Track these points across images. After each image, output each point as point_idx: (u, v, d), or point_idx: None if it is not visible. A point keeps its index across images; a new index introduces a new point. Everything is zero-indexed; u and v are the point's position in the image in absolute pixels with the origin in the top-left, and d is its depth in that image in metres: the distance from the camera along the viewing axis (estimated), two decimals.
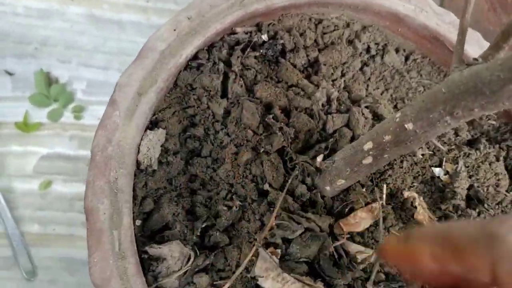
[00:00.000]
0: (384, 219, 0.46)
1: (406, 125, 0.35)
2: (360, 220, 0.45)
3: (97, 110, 0.73)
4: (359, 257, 0.44)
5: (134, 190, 0.41)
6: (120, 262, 0.37)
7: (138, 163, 0.41)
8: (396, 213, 0.47)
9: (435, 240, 0.25)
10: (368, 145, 0.39)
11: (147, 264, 0.40)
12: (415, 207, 0.46)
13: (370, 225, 0.45)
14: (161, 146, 0.43)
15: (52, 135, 0.70)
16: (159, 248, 0.39)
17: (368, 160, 0.40)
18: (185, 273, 0.39)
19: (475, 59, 0.32)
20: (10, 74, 0.72)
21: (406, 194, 0.47)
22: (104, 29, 0.77)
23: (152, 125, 0.44)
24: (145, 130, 0.42)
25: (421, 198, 0.46)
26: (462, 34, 0.33)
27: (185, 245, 0.40)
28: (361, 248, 0.44)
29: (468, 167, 0.49)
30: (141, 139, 0.41)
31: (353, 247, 0.44)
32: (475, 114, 0.31)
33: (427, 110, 0.33)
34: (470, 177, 0.49)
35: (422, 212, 0.46)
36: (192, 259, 0.40)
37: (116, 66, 0.76)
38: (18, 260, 0.63)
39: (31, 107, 0.71)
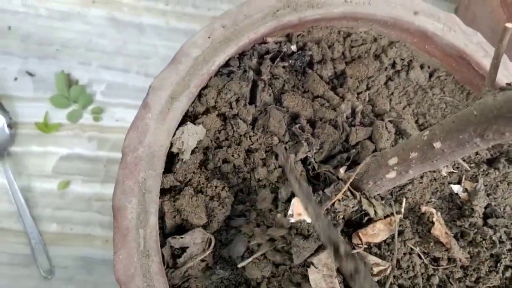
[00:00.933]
0: (402, 232, 0.46)
1: (434, 144, 0.36)
2: (379, 231, 0.45)
3: (116, 112, 0.74)
4: (375, 269, 0.44)
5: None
6: (144, 260, 0.38)
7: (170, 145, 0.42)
8: (413, 227, 0.47)
9: None
10: (393, 160, 0.40)
11: (171, 261, 0.41)
12: (433, 222, 0.46)
13: (387, 238, 0.46)
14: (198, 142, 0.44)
15: (71, 136, 0.71)
16: (181, 238, 0.40)
17: (392, 175, 0.41)
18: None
19: (508, 84, 0.33)
20: (31, 75, 0.73)
21: (423, 209, 0.47)
22: (124, 32, 0.78)
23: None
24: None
25: (439, 214, 0.47)
26: (497, 58, 0.34)
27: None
28: (378, 260, 0.44)
29: (486, 185, 0.50)
30: (177, 128, 0.42)
31: (370, 258, 0.44)
32: (506, 138, 0.31)
33: (457, 131, 0.34)
34: (488, 195, 0.49)
35: (439, 228, 0.46)
36: (213, 243, 0.41)
37: (135, 69, 0.77)
38: (36, 258, 0.64)
39: (51, 108, 0.72)
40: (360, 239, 0.45)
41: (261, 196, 0.43)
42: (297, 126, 0.45)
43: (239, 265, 0.41)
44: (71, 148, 0.71)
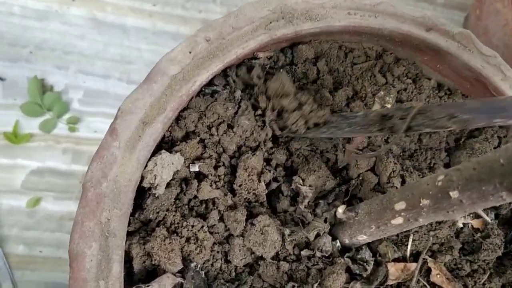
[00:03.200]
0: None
1: (450, 193, 0.30)
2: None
3: (94, 122, 0.68)
4: None
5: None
6: None
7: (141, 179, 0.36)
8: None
9: None
10: (400, 205, 0.34)
11: None
12: (429, 269, 0.41)
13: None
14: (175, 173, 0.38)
15: (43, 147, 0.65)
16: (148, 287, 0.34)
17: (398, 221, 0.35)
18: None
19: None
20: (1, 79, 0.66)
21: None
22: (106, 33, 0.72)
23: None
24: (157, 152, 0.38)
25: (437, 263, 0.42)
26: None
27: None
28: None
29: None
30: (149, 159, 0.36)
31: None
32: None
33: (479, 181, 0.28)
34: None
35: (437, 274, 0.41)
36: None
37: (117, 75, 0.70)
38: (0, 284, 0.58)
39: (22, 116, 0.65)
40: None
41: None
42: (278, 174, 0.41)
43: None
44: (43, 161, 0.65)
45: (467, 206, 0.30)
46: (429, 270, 0.42)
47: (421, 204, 0.32)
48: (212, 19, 0.70)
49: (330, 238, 0.40)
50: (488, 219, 0.33)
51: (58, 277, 0.61)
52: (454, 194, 0.30)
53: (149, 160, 0.37)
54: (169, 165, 0.37)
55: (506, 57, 0.50)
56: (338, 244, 0.41)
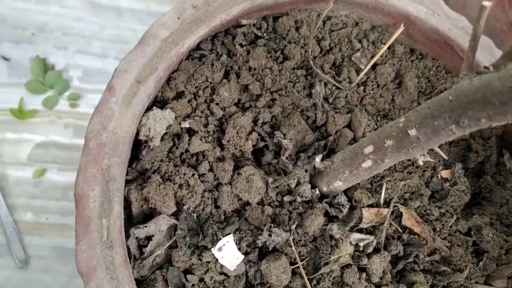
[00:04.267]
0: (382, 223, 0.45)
1: (409, 131, 0.34)
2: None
3: (93, 99, 0.72)
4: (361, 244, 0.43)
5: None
6: (107, 251, 0.36)
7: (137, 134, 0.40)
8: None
9: None
10: (369, 149, 0.38)
11: (138, 252, 0.39)
12: (401, 214, 0.45)
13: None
14: (167, 128, 0.42)
15: (47, 122, 0.69)
16: (146, 227, 0.38)
17: (368, 163, 0.39)
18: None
19: (486, 68, 0.31)
20: (6, 59, 0.70)
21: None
22: (102, 15, 0.76)
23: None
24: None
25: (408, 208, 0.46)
26: (474, 40, 0.32)
27: None
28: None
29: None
30: (143, 115, 0.41)
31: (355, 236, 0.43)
32: (482, 125, 0.29)
33: (432, 117, 0.32)
34: None
35: (408, 218, 0.45)
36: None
37: (114, 54, 0.74)
38: (11, 248, 0.63)
39: (26, 93, 0.69)
40: None
41: None
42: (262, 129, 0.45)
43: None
44: (47, 136, 0.69)
45: (423, 142, 0.34)
46: (400, 216, 0.46)
47: (385, 145, 0.36)
48: None
49: (309, 185, 0.44)
50: (444, 155, 0.37)
51: (65, 242, 0.65)
52: (412, 132, 0.34)
53: (143, 116, 0.41)
54: (161, 119, 0.41)
55: (483, 29, 0.54)
56: (317, 192, 0.45)
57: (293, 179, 0.43)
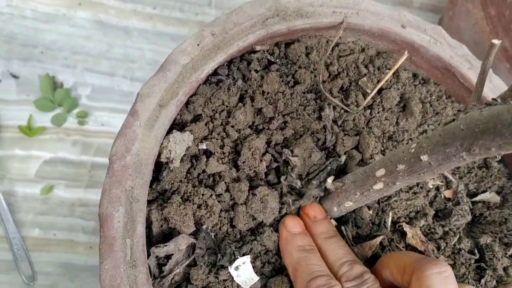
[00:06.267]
0: (389, 243, 0.47)
1: (421, 157, 0.36)
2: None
3: (101, 116, 0.73)
4: None
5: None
6: (130, 270, 0.37)
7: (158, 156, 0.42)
8: (397, 236, 0.48)
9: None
10: (381, 172, 0.40)
11: (157, 271, 0.40)
12: (405, 233, 0.47)
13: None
14: (186, 150, 0.44)
15: (55, 139, 0.70)
16: (165, 246, 0.39)
17: (379, 186, 0.41)
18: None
19: (494, 99, 0.33)
20: (15, 77, 0.72)
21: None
22: (111, 35, 0.78)
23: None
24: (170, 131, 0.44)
25: (413, 227, 0.48)
26: (483, 74, 0.34)
27: None
28: None
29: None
30: (164, 137, 0.42)
31: None
32: (492, 153, 0.32)
33: (444, 145, 0.34)
34: None
35: (412, 237, 0.47)
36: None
37: (122, 73, 0.76)
38: (18, 264, 0.63)
39: (35, 111, 0.71)
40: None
41: None
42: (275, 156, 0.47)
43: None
44: (55, 152, 0.70)
45: (435, 167, 0.36)
46: (405, 234, 0.48)
47: (397, 169, 0.38)
48: (207, 21, 0.77)
49: None
50: (452, 178, 0.39)
51: (72, 258, 0.66)
52: (424, 157, 0.36)
53: (164, 138, 0.43)
54: (181, 141, 0.43)
55: (476, 53, 0.57)
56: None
57: (311, 198, 0.45)
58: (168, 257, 0.41)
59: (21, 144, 0.69)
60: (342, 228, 0.47)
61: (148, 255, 0.41)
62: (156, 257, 0.41)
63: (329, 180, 0.46)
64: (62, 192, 0.68)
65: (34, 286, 0.63)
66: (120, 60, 0.76)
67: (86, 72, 0.74)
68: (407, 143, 0.53)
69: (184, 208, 0.41)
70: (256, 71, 0.49)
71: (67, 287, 0.64)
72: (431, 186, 0.40)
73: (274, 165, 0.48)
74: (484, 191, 0.53)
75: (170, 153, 0.42)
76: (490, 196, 0.53)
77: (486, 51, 0.34)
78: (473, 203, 0.53)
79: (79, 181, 0.69)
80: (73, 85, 0.73)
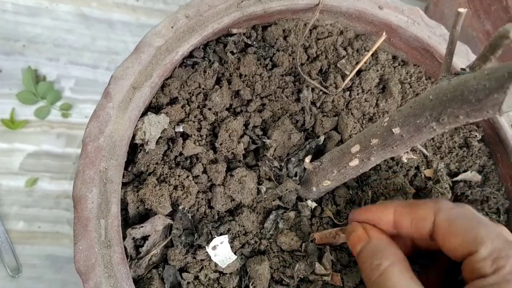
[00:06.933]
0: None
1: (393, 130, 0.36)
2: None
3: (85, 108, 0.73)
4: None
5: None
6: (105, 250, 0.37)
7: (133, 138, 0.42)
8: None
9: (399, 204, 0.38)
10: (356, 148, 0.40)
11: (134, 253, 0.40)
12: None
13: None
14: (162, 132, 0.43)
15: (39, 132, 0.70)
16: (142, 227, 0.39)
17: (355, 162, 0.41)
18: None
19: (463, 69, 0.33)
20: None
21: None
22: (93, 27, 0.77)
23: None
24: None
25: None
26: (451, 44, 0.34)
27: None
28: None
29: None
30: (138, 119, 0.42)
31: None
32: (460, 121, 0.32)
33: (414, 116, 0.34)
34: None
35: None
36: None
37: (105, 65, 0.76)
38: (3, 257, 0.63)
39: (18, 104, 0.70)
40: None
41: None
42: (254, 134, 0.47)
43: None
44: (39, 145, 0.70)
45: (406, 140, 0.36)
46: None
47: (371, 144, 0.38)
48: None
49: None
50: (425, 151, 0.39)
51: (57, 250, 0.66)
52: (396, 130, 0.36)
53: (138, 120, 0.43)
54: (156, 123, 0.43)
55: (460, 38, 0.57)
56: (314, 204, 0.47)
57: (285, 190, 0.45)
58: (145, 238, 0.41)
59: (5, 137, 0.68)
60: (323, 208, 0.47)
61: (125, 237, 0.40)
62: (133, 238, 0.41)
63: (307, 159, 0.46)
64: (47, 184, 0.68)
65: (19, 278, 0.63)
66: (103, 52, 0.76)
67: (69, 65, 0.74)
68: None
69: (160, 189, 0.41)
70: (233, 53, 0.49)
71: (53, 279, 0.64)
72: (406, 161, 0.39)
73: (253, 147, 0.47)
74: (465, 171, 0.53)
75: (145, 134, 0.42)
76: (472, 175, 0.53)
77: (454, 20, 0.34)
78: (455, 182, 0.53)
79: (64, 173, 0.69)
80: (56, 78, 0.73)
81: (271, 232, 0.45)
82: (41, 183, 0.68)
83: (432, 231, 0.36)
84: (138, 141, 0.42)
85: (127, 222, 0.42)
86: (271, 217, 0.45)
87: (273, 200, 0.46)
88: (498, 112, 0.30)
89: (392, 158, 0.50)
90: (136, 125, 0.42)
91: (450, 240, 0.34)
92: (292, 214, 0.46)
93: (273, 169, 0.47)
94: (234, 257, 0.41)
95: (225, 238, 0.41)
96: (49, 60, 0.74)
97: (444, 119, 0.33)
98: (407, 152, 0.42)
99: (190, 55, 0.47)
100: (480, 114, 0.31)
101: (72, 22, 0.77)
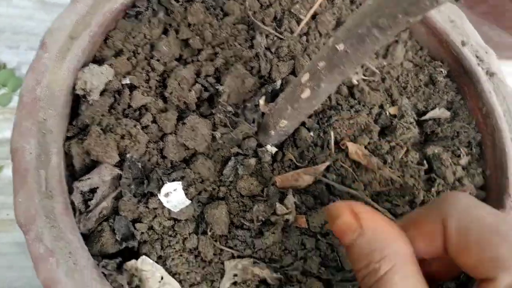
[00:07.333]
0: (334, 164, 0.45)
1: (337, 46, 0.34)
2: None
3: None
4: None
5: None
6: (46, 201, 0.35)
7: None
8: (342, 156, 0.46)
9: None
10: (305, 77, 0.38)
11: (84, 206, 0.38)
12: (347, 147, 0.45)
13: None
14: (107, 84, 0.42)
15: (1, 119, 0.68)
16: (88, 179, 0.37)
17: (306, 93, 0.39)
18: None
19: None
20: None
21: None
22: (53, 12, 0.76)
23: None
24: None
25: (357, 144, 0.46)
26: None
27: None
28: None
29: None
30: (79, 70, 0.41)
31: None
32: (400, 21, 0.30)
33: (356, 26, 0.32)
34: None
35: (355, 151, 0.45)
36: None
37: None
38: None
39: None
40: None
41: None
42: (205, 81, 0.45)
43: None
44: (2, 133, 0.68)
45: (352, 55, 0.34)
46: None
47: (319, 67, 0.37)
48: None
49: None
50: (375, 69, 0.37)
51: None
52: (340, 46, 0.34)
53: (79, 70, 0.41)
54: (98, 74, 0.41)
55: None
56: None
57: (241, 134, 0.43)
58: (93, 191, 0.39)
59: None
60: (284, 152, 0.45)
61: (72, 191, 0.38)
62: (81, 192, 0.39)
63: (261, 101, 0.44)
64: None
65: None
66: None
67: (29, 51, 0.72)
68: None
69: (105, 138, 0.39)
70: (178, 1, 0.47)
71: (25, 266, 0.61)
72: (356, 82, 0.37)
73: (206, 95, 0.46)
74: (433, 108, 0.52)
75: (86, 84, 0.40)
76: (440, 112, 0.51)
77: None
78: (424, 121, 0.51)
79: None
80: (17, 65, 0.71)
81: (230, 179, 0.43)
82: (7, 170, 0.66)
83: (445, 244, 0.29)
84: (79, 91, 0.40)
85: (75, 177, 0.40)
86: (230, 163, 0.43)
87: (232, 148, 0.44)
88: (436, 2, 0.28)
89: (354, 97, 0.48)
90: (76, 75, 0.40)
91: (463, 258, 0.28)
92: (252, 160, 0.44)
93: (228, 115, 0.45)
94: (188, 201, 0.39)
95: (178, 185, 0.39)
96: (9, 48, 0.72)
97: (384, 22, 0.31)
98: (356, 73, 0.41)
99: (133, 5, 0.45)
100: (418, 9, 0.29)
101: (30, 8, 0.75)
